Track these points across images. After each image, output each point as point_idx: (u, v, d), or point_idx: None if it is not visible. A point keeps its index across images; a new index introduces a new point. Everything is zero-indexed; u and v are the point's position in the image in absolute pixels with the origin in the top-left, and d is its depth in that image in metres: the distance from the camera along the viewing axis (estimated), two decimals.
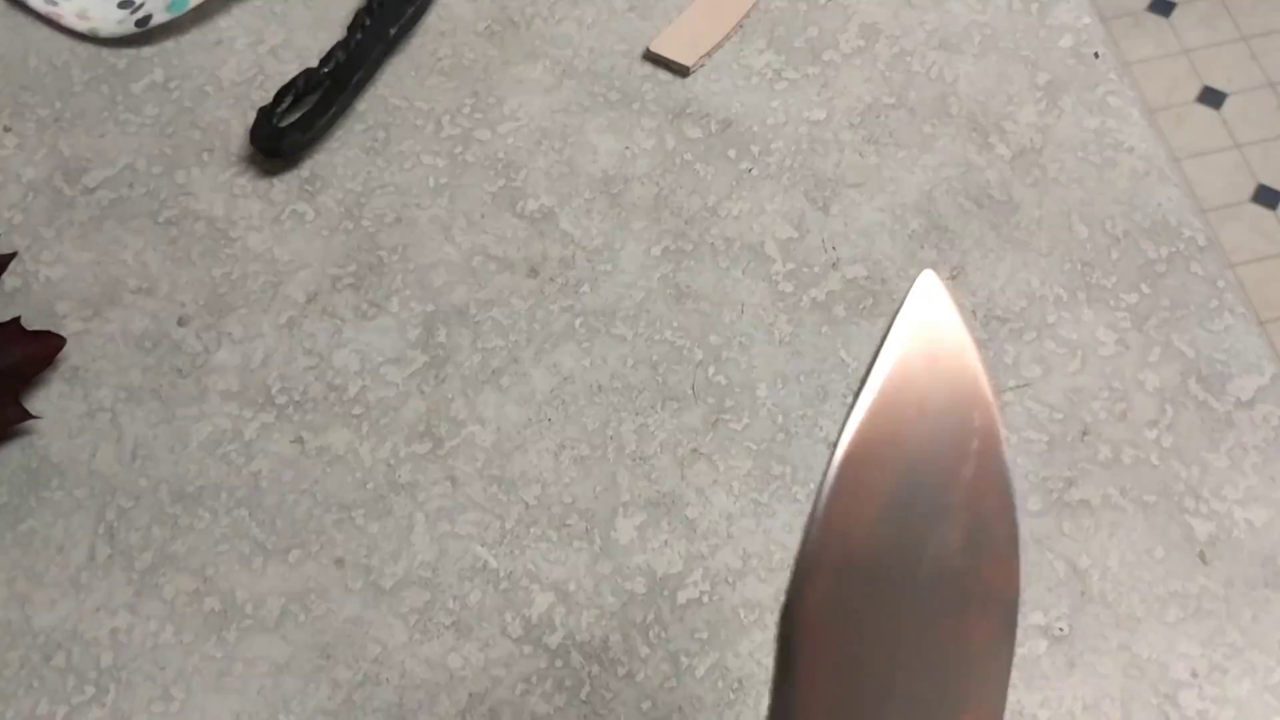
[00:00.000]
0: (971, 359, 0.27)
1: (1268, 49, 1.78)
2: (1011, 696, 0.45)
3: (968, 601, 0.25)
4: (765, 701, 0.41)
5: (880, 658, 0.24)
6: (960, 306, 0.27)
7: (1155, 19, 1.81)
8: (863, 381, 0.26)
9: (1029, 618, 0.46)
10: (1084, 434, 0.50)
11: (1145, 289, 0.53)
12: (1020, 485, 0.49)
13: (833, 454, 0.25)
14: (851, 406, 0.26)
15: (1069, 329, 0.52)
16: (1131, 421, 0.50)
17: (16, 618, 0.47)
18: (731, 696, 0.44)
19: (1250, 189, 1.66)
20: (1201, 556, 0.47)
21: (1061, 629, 0.46)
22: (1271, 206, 1.65)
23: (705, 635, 0.46)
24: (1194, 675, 0.45)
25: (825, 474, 0.25)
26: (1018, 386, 0.51)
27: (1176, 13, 1.81)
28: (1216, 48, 1.78)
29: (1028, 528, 0.48)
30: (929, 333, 0.27)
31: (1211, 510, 0.48)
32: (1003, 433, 0.27)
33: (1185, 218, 0.54)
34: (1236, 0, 1.82)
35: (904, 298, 0.27)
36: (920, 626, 0.25)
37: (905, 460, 0.26)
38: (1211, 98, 1.74)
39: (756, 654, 0.46)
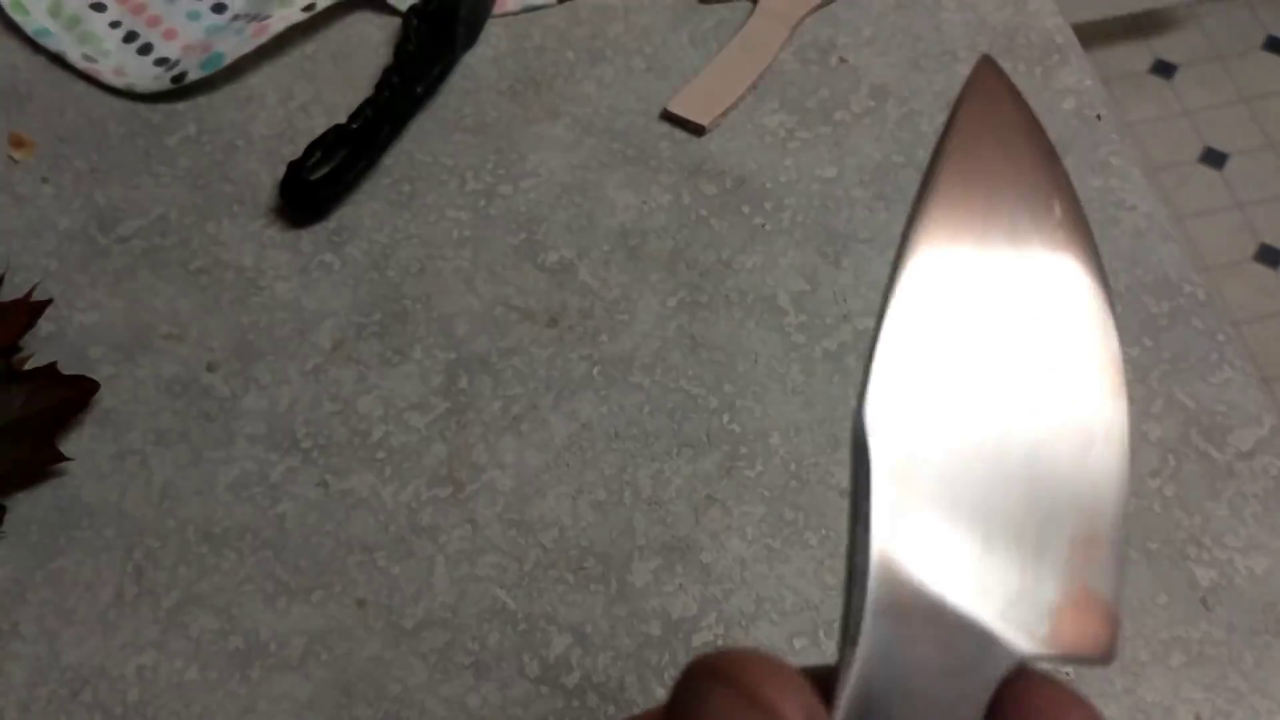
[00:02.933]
0: (1042, 143, 0.24)
1: (1268, 111, 1.81)
2: None
3: (1068, 397, 0.23)
4: None
5: (976, 460, 0.22)
6: (1021, 93, 0.25)
7: (1157, 80, 1.84)
8: (923, 185, 0.24)
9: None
10: None
11: (1147, 342, 0.54)
12: None
13: (899, 256, 0.23)
14: (913, 211, 0.23)
15: None
16: (1135, 471, 0.51)
17: (45, 653, 0.48)
18: None
19: (1252, 248, 1.69)
20: (1204, 603, 0.48)
21: (1067, 673, 0.47)
22: (1273, 265, 1.67)
23: None
24: (1198, 719, 0.46)
25: (891, 283, 0.23)
26: None
27: (1178, 75, 1.84)
28: (1218, 109, 1.81)
29: None
30: (991, 121, 0.24)
31: (1213, 558, 0.49)
32: (1086, 222, 0.24)
33: (1185, 273, 0.56)
34: (1237, 63, 1.85)
35: (961, 92, 0.24)
36: (1017, 422, 0.22)
37: (982, 247, 0.23)
38: (1213, 158, 1.77)
39: None
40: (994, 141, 0.24)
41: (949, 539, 0.21)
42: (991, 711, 0.21)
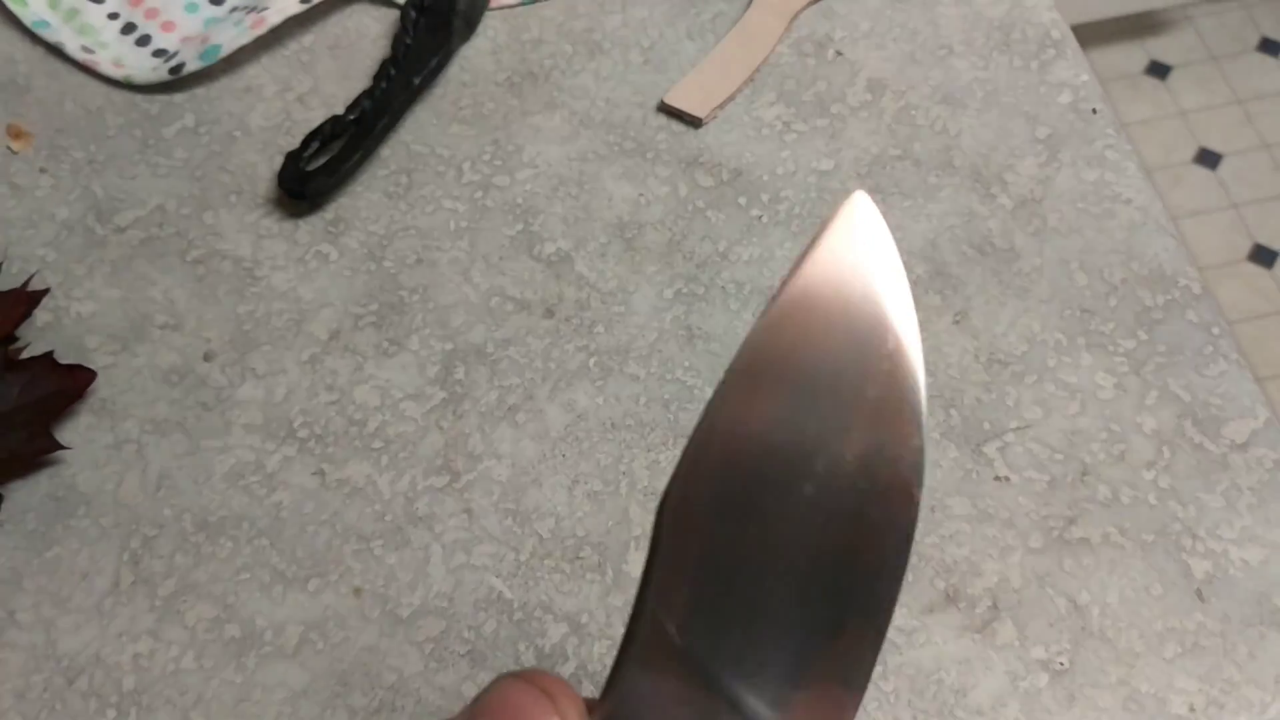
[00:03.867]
0: (896, 285, 0.26)
1: (1262, 111, 1.81)
2: None
3: (858, 523, 0.25)
4: None
5: (754, 562, 0.24)
6: (890, 234, 0.27)
7: (1152, 81, 1.85)
8: (775, 295, 0.26)
9: (1030, 652, 0.47)
10: (1083, 474, 0.51)
11: (1142, 335, 0.54)
12: (1022, 523, 0.50)
13: (736, 355, 0.25)
14: (761, 315, 0.26)
15: (1069, 373, 0.53)
16: (1130, 462, 0.51)
17: (42, 642, 0.48)
18: None
19: (1247, 248, 1.69)
20: (1199, 594, 0.48)
21: (1062, 663, 0.47)
22: (1268, 265, 1.67)
23: None
24: (1192, 710, 0.46)
25: (726, 372, 0.25)
26: (1019, 428, 0.52)
27: (1173, 76, 1.85)
28: (1212, 110, 1.82)
29: (1030, 565, 0.49)
30: (854, 253, 0.26)
31: (1208, 549, 0.49)
32: (917, 361, 0.26)
33: (1181, 267, 0.56)
34: (1231, 64, 1.86)
35: (833, 215, 0.27)
36: (802, 539, 0.24)
37: (805, 373, 0.25)
38: (1208, 158, 1.77)
39: None
40: (847, 275, 0.26)
41: (720, 616, 0.24)
42: None
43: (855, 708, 0.24)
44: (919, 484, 0.25)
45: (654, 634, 0.24)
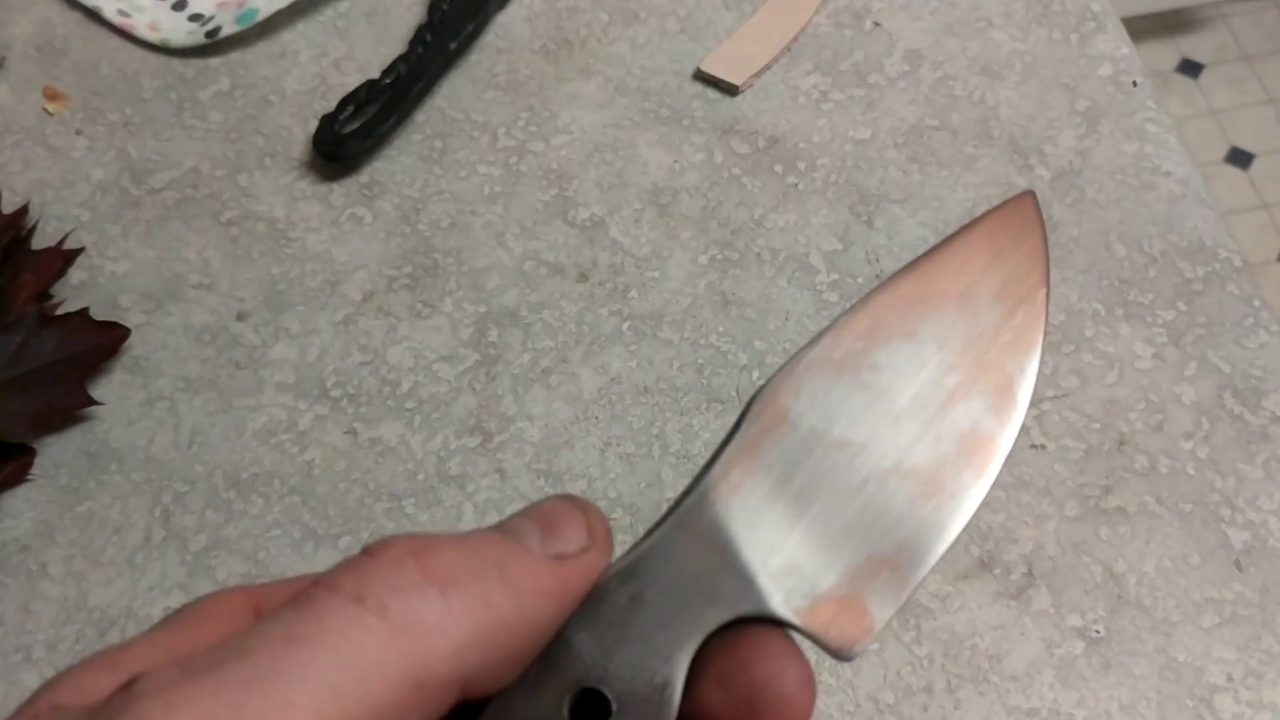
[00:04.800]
0: (1038, 278, 0.27)
1: None
2: (1048, 695, 0.45)
3: (941, 457, 0.26)
4: None
5: (821, 470, 0.25)
6: (1044, 234, 0.28)
7: (1184, 80, 1.83)
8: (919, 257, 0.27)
9: (1066, 619, 0.47)
10: (1121, 444, 0.50)
11: (1182, 306, 0.54)
12: (1058, 491, 0.49)
13: (873, 290, 0.26)
14: (907, 265, 0.27)
15: (1106, 343, 0.53)
16: (1168, 433, 0.51)
17: (74, 594, 0.48)
18: None
19: (1278, 248, 1.67)
20: (1237, 564, 0.48)
21: (1098, 631, 0.47)
22: None
23: None
24: (1230, 680, 0.45)
25: (859, 300, 0.26)
26: (1056, 396, 0.52)
27: (1205, 74, 1.83)
28: (1244, 109, 1.80)
29: (1066, 532, 0.49)
30: (1004, 241, 0.27)
31: (1247, 520, 0.49)
32: (1035, 344, 0.27)
33: (1221, 239, 0.55)
34: (1263, 64, 1.84)
35: (995, 207, 0.28)
36: (875, 464, 0.25)
37: (927, 322, 0.26)
38: (1239, 158, 1.76)
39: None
40: (992, 257, 0.27)
41: (771, 500, 0.25)
42: (721, 636, 0.23)
43: (874, 630, 0.25)
44: (1005, 445, 0.26)
45: (702, 506, 0.24)
